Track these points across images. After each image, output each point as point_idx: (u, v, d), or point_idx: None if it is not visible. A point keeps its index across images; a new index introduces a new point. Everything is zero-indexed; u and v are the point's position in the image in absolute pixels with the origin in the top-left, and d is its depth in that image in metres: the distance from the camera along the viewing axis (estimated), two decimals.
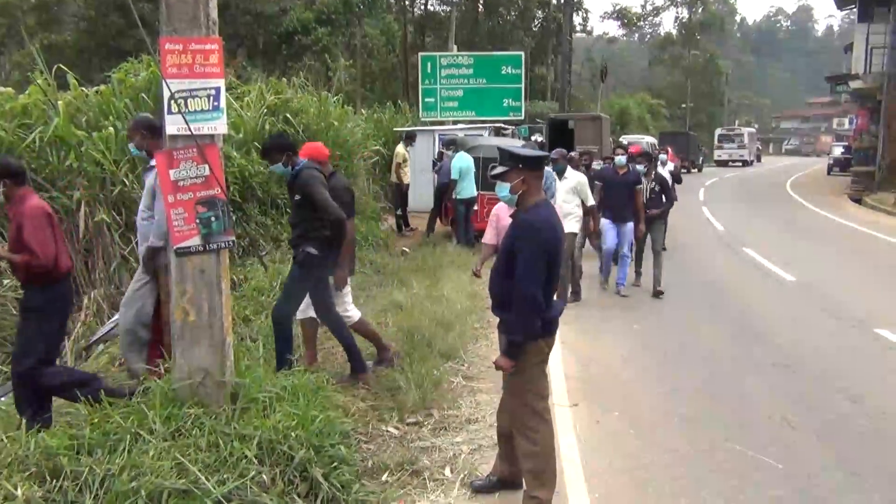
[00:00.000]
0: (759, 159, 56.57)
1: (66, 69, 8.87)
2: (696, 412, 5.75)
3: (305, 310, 6.03)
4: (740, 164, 49.60)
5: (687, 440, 5.22)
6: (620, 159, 9.84)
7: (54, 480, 3.62)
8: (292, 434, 4.11)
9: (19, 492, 3.45)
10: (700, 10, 74.53)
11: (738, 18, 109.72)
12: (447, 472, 4.58)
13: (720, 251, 14.13)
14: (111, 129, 7.99)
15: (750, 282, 11.07)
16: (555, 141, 21.06)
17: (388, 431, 5.12)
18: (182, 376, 4.39)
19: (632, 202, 9.60)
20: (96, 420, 4.08)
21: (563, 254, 4.13)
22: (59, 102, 8.10)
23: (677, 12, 77.33)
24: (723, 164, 49.72)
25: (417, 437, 5.07)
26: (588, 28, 62.13)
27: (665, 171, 11.83)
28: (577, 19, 52.71)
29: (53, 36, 26.59)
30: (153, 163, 5.17)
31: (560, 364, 6.89)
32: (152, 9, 22.84)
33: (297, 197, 5.72)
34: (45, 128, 7.69)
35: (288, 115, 10.93)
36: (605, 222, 9.78)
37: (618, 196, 9.66)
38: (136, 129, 5.66)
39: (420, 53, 22.08)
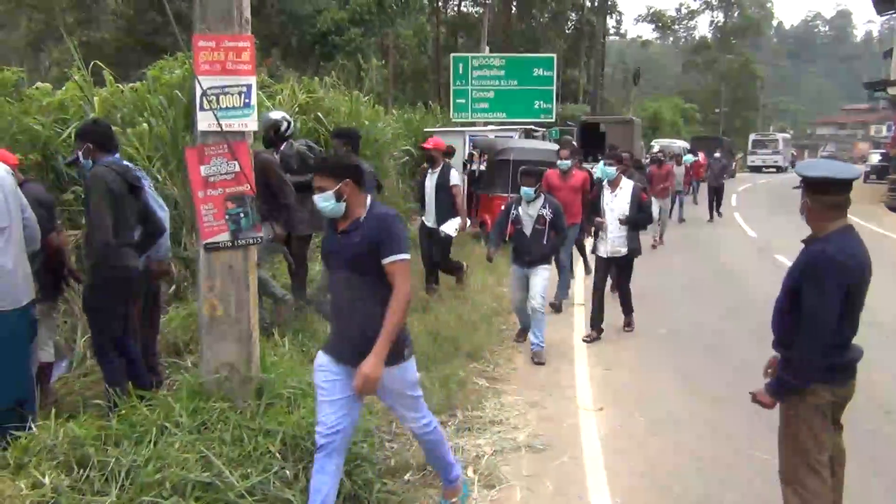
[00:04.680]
0: (793, 165, 55.58)
1: (102, 66, 9.01)
2: (721, 418, 5.67)
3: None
4: (774, 169, 48.94)
5: (711, 446, 5.16)
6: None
7: (81, 470, 3.68)
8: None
9: (47, 480, 3.50)
10: (736, 13, 73.79)
11: (774, 23, 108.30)
12: (470, 472, 4.57)
13: (751, 257, 13.96)
14: (145, 125, 8.10)
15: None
16: (586, 144, 20.98)
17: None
18: (209, 370, 4.43)
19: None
20: (124, 411, 4.14)
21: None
22: (95, 98, 8.23)
23: (712, 16, 76.91)
24: (756, 169, 49.12)
25: None
26: (622, 31, 61.90)
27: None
28: (610, 22, 52.50)
29: (91, 33, 26.99)
30: None
31: (585, 367, 6.85)
32: (188, 6, 22.96)
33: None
34: (81, 123, 7.79)
35: (319, 114, 11.00)
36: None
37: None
38: None
39: (452, 54, 22.08)
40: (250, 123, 4.57)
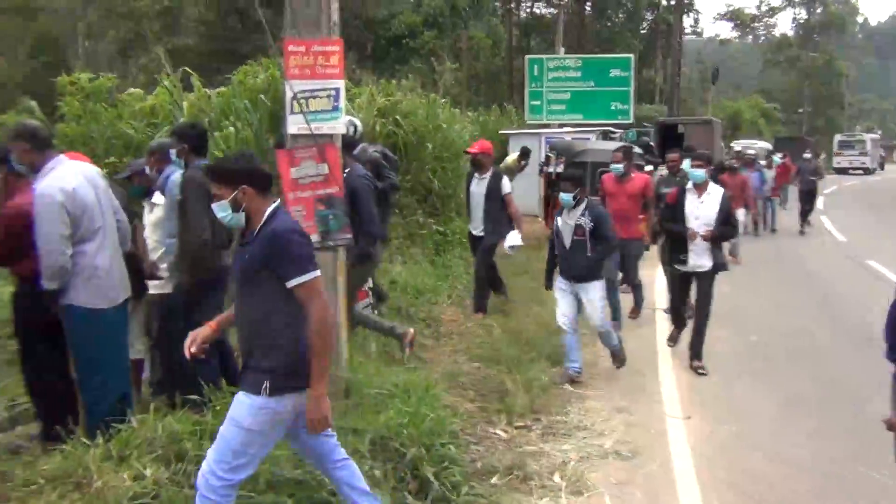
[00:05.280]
0: (882, 167, 53.45)
1: (190, 72, 9.28)
2: (813, 426, 5.46)
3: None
4: (861, 171, 46.99)
5: (804, 455, 4.96)
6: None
7: (179, 463, 3.77)
8: (404, 431, 4.15)
9: (148, 472, 3.61)
10: (819, 10, 71.25)
11: (860, 19, 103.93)
12: (556, 478, 4.50)
13: (841, 263, 13.42)
14: (231, 128, 8.30)
15: (874, 294, 10.44)
16: (664, 146, 20.56)
17: (496, 434, 5.09)
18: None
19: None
20: (218, 407, 4.23)
21: None
22: (185, 103, 8.49)
23: (794, 13, 74.23)
24: (842, 171, 47.21)
25: (525, 441, 5.02)
26: (699, 30, 60.69)
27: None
28: (687, 21, 51.45)
29: (175, 40, 27.89)
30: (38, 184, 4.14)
31: (671, 373, 6.70)
32: (270, 13, 23.67)
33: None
34: (171, 127, 8.03)
35: (397, 117, 11.06)
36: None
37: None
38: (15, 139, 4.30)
39: (527, 56, 21.96)
40: (339, 126, 4.64)
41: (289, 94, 4.49)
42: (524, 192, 14.84)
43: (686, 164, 7.41)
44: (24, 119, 5.90)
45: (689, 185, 6.93)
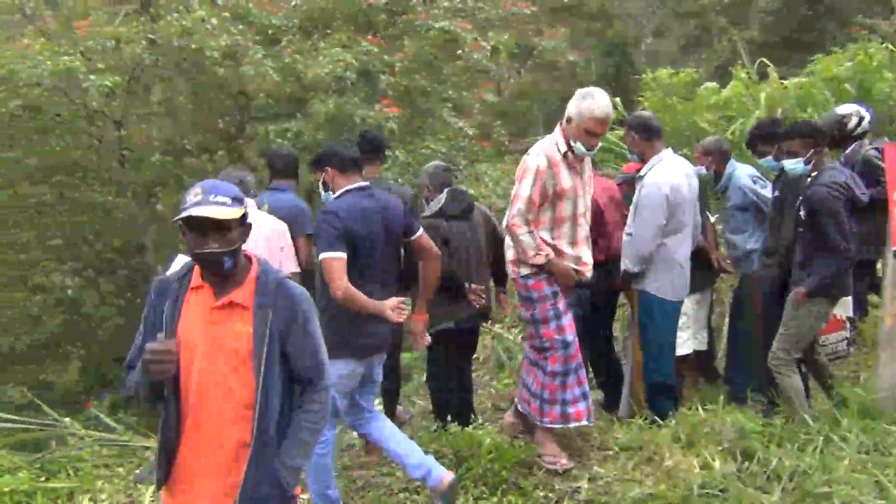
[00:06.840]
0: None
1: (767, 63, 9.00)
2: None
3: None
4: None
5: None
6: None
7: (745, 462, 3.72)
8: None
9: (717, 463, 3.63)
10: None
11: None
12: None
13: None
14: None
15: None
16: None
17: None
18: (884, 387, 4.05)
19: None
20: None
21: None
22: (761, 95, 8.27)
23: None
24: None
25: None
26: None
27: None
28: None
29: (741, 33, 27.63)
30: (648, 174, 4.40)
31: None
32: None
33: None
34: (746, 119, 7.90)
35: None
36: None
37: None
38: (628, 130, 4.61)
39: None
40: None
41: None
42: None
43: None
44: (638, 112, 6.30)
45: None
